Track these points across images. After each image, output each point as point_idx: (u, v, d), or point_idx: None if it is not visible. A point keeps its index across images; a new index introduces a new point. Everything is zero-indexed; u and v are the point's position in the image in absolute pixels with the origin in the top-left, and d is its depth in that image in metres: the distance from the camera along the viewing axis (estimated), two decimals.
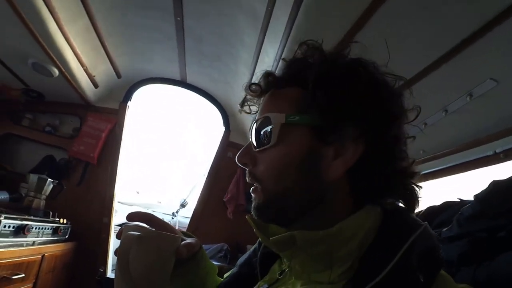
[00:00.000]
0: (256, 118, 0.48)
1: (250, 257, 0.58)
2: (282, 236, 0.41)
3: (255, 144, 0.46)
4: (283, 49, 1.37)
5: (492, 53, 1.01)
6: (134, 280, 0.42)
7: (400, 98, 0.44)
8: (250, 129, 0.48)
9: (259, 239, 0.56)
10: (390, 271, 0.34)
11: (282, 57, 1.40)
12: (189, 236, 0.56)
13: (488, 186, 0.76)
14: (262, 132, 0.45)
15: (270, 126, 0.44)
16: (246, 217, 0.48)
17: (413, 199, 0.44)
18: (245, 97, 0.55)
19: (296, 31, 1.25)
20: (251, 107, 0.54)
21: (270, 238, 0.42)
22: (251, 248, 0.61)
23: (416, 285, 0.34)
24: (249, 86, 0.51)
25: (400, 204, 0.45)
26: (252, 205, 0.46)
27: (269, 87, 0.49)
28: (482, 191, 0.77)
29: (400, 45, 1.11)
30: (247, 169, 0.47)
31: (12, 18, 1.42)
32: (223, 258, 2.15)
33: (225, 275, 0.62)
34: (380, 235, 0.40)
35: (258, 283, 0.51)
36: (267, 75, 0.49)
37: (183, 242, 0.49)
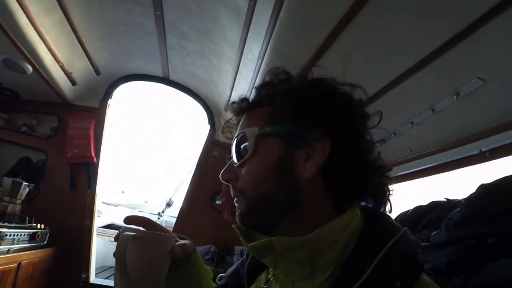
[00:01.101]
0: (234, 136, 0.52)
1: (237, 268, 0.60)
2: (260, 242, 0.42)
3: (235, 160, 0.49)
4: (267, 46, 1.33)
5: (479, 52, 1.00)
6: (132, 280, 0.45)
7: (357, 101, 0.48)
8: (231, 146, 0.51)
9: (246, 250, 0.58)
10: (367, 278, 0.35)
11: (266, 54, 1.36)
12: (183, 239, 0.59)
13: (477, 189, 0.75)
14: (240, 147, 0.49)
15: (247, 140, 0.47)
16: (233, 226, 0.50)
17: (384, 197, 0.48)
18: (226, 121, 0.59)
19: (280, 27, 1.21)
20: (232, 133, 0.58)
21: (249, 245, 0.44)
22: (238, 260, 0.64)
23: None
24: (231, 104, 0.56)
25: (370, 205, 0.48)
26: (237, 214, 0.49)
27: (244, 110, 0.54)
28: (471, 195, 0.76)
29: (386, 44, 1.09)
30: (230, 184, 0.50)
31: None
32: (210, 261, 2.10)
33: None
34: (360, 241, 0.41)
35: None
36: (242, 100, 0.55)
37: (178, 243, 0.53)
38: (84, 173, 2.30)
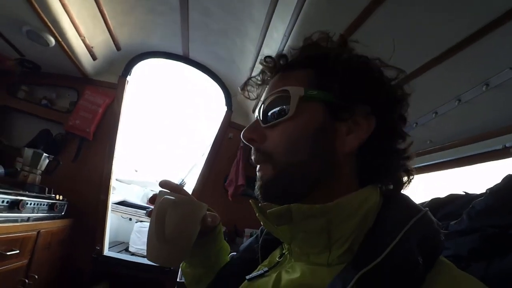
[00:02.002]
0: (269, 94, 0.48)
1: (251, 243, 0.61)
2: (279, 208, 0.41)
3: (265, 120, 0.47)
4: (293, 25, 1.30)
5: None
6: (166, 238, 0.48)
7: (402, 86, 0.47)
8: (260, 106, 0.48)
9: (261, 226, 0.57)
10: (390, 253, 0.34)
11: (292, 33, 1.33)
12: (211, 211, 0.61)
13: (503, 179, 0.73)
14: (275, 107, 0.46)
15: (287, 99, 0.44)
16: (250, 201, 0.49)
17: (404, 184, 0.47)
18: (248, 79, 0.56)
19: (308, 6, 1.17)
20: (250, 93, 0.57)
21: (268, 211, 0.42)
22: (253, 237, 0.64)
23: (415, 267, 0.33)
24: (264, 58, 0.53)
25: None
26: (258, 185, 0.46)
27: (279, 68, 0.51)
28: (496, 185, 0.74)
29: (413, 31, 1.06)
30: (253, 146, 0.47)
31: None
32: None
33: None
34: (380, 218, 0.41)
35: (259, 266, 0.52)
36: (280, 56, 0.51)
37: (208, 213, 0.55)
38: (76, 145, 2.32)
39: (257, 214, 0.47)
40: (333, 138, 0.44)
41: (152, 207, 0.52)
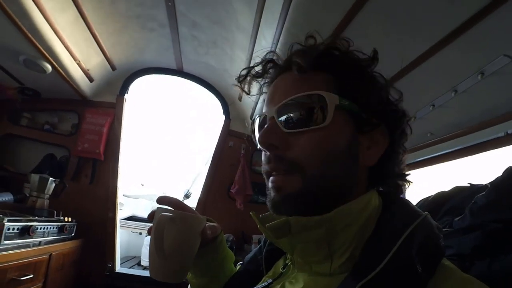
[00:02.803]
0: (293, 96, 0.42)
1: (255, 254, 0.60)
2: (277, 222, 0.40)
3: (289, 124, 0.42)
4: (281, 31, 1.30)
5: (505, 28, 0.94)
6: (166, 255, 0.49)
7: (401, 98, 0.47)
8: (280, 106, 0.43)
9: (264, 237, 0.58)
10: (386, 264, 0.34)
11: (280, 40, 1.33)
12: (211, 222, 0.61)
13: (503, 172, 0.72)
14: (306, 111, 0.42)
15: (321, 105, 0.41)
16: (251, 213, 0.49)
17: (402, 185, 0.48)
18: (249, 70, 0.52)
19: (293, 11, 1.18)
20: (244, 86, 0.53)
21: (266, 225, 0.41)
22: (256, 247, 0.63)
23: (414, 277, 0.33)
24: (274, 52, 0.50)
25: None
26: (276, 197, 0.42)
27: (296, 66, 0.45)
28: (497, 178, 0.73)
29: (404, 23, 1.05)
30: (271, 153, 0.43)
31: None
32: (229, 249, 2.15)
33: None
34: (379, 224, 0.40)
35: (263, 278, 0.52)
36: (303, 53, 0.46)
37: (208, 224, 0.55)
38: (90, 167, 2.37)
39: (258, 226, 0.46)
40: (358, 151, 0.43)
41: (151, 224, 0.53)
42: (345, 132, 0.42)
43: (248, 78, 0.52)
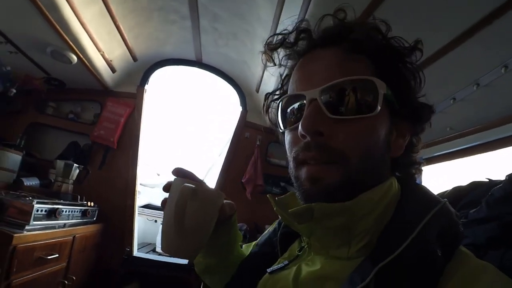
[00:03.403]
0: (341, 79, 0.39)
1: (270, 237, 0.59)
2: (300, 208, 0.40)
3: (336, 109, 0.39)
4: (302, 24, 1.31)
5: None
6: (185, 229, 0.45)
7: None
8: (325, 88, 0.39)
9: (279, 219, 0.58)
10: (408, 245, 0.34)
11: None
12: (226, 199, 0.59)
13: None
14: (357, 96, 0.39)
15: (371, 92, 0.39)
16: (268, 196, 0.48)
17: (416, 172, 0.49)
18: (277, 36, 0.49)
19: (315, 6, 1.18)
20: (270, 57, 0.50)
21: (289, 211, 0.40)
22: (270, 228, 0.63)
23: (434, 259, 0.33)
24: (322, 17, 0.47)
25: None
26: (312, 189, 0.40)
27: (344, 41, 0.42)
28: None
29: (427, 15, 1.04)
30: (314, 140, 0.39)
31: (28, 7, 1.44)
32: (242, 238, 2.19)
33: (245, 246, 0.67)
34: (398, 210, 0.40)
35: (279, 259, 0.51)
36: (341, 28, 0.43)
37: (226, 201, 0.53)
38: (101, 154, 2.45)
39: (275, 209, 0.46)
40: (390, 142, 0.43)
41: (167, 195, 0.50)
42: (386, 123, 0.41)
43: (278, 47, 0.48)
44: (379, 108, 0.39)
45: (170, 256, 2.40)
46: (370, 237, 0.39)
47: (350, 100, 0.39)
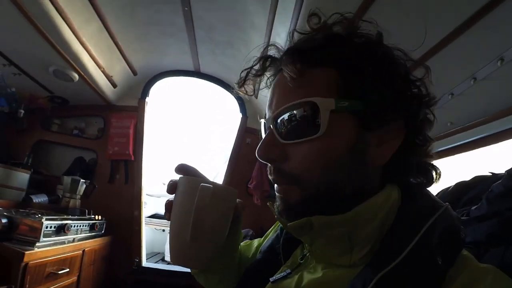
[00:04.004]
0: (287, 102, 0.40)
1: (273, 243, 0.58)
2: (299, 221, 0.40)
3: (285, 134, 0.40)
4: (295, 28, 1.33)
5: None
6: (202, 234, 0.41)
7: (425, 83, 0.42)
8: (274, 115, 0.41)
9: (281, 225, 0.57)
10: (407, 255, 0.34)
11: (294, 38, 1.36)
12: None
13: None
14: (300, 119, 0.39)
15: (314, 112, 0.38)
16: (268, 204, 0.48)
17: (434, 175, 0.45)
18: (247, 72, 0.49)
19: (307, 9, 1.19)
20: (247, 87, 0.51)
21: (288, 224, 0.41)
22: (272, 233, 0.62)
23: (434, 269, 0.33)
24: (271, 48, 0.47)
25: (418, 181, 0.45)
26: (280, 206, 0.42)
27: (292, 65, 0.42)
28: None
29: (421, 11, 1.03)
30: (271, 165, 0.42)
31: (29, 30, 1.48)
32: None
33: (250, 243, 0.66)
34: (399, 216, 0.39)
35: (281, 267, 0.51)
36: (293, 52, 0.42)
37: (238, 200, 0.50)
38: (123, 168, 2.50)
39: (275, 217, 0.45)
40: (366, 151, 0.40)
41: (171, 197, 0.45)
42: (346, 135, 0.39)
43: (249, 78, 0.49)
44: (323, 128, 0.38)
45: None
46: (373, 244, 0.39)
47: (297, 123, 0.39)
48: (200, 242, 0.41)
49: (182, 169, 0.47)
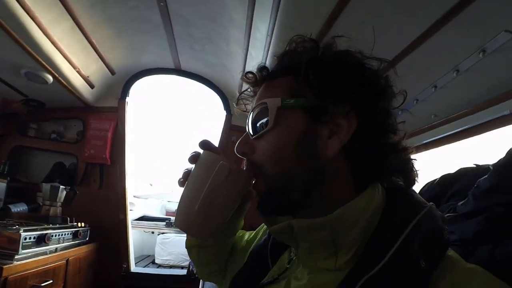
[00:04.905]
0: (253, 106, 0.49)
1: (261, 246, 0.59)
2: (280, 225, 0.42)
3: (252, 133, 0.48)
4: (274, 23, 1.29)
5: (505, 2, 0.91)
6: (210, 208, 0.43)
7: (384, 77, 0.45)
8: (247, 120, 0.49)
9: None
10: (390, 259, 0.34)
11: (275, 32, 1.32)
12: None
13: (506, 154, 0.70)
14: (259, 119, 0.46)
15: (267, 111, 0.45)
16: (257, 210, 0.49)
17: (412, 173, 0.47)
18: (240, 94, 0.57)
19: (286, 3, 1.16)
20: (246, 105, 0.57)
21: (270, 228, 0.44)
22: (263, 237, 0.63)
23: (417, 272, 0.33)
24: (245, 74, 0.54)
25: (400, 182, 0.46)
26: (257, 198, 0.46)
27: (263, 80, 0.52)
28: (499, 161, 0.71)
29: (401, 4, 1.01)
30: (245, 159, 0.48)
31: None
32: None
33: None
34: (382, 219, 0.40)
35: (269, 273, 0.52)
36: (261, 68, 0.52)
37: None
38: (98, 172, 2.40)
39: (262, 219, 0.49)
40: (315, 143, 0.43)
41: (192, 166, 0.47)
42: (293, 130, 0.44)
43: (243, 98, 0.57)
44: (271, 122, 0.44)
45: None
46: (357, 248, 0.39)
47: (258, 121, 0.46)
48: (206, 216, 0.44)
49: (205, 145, 0.49)
